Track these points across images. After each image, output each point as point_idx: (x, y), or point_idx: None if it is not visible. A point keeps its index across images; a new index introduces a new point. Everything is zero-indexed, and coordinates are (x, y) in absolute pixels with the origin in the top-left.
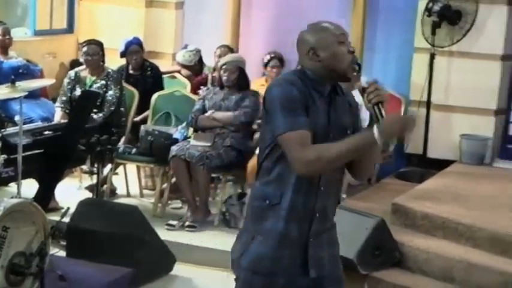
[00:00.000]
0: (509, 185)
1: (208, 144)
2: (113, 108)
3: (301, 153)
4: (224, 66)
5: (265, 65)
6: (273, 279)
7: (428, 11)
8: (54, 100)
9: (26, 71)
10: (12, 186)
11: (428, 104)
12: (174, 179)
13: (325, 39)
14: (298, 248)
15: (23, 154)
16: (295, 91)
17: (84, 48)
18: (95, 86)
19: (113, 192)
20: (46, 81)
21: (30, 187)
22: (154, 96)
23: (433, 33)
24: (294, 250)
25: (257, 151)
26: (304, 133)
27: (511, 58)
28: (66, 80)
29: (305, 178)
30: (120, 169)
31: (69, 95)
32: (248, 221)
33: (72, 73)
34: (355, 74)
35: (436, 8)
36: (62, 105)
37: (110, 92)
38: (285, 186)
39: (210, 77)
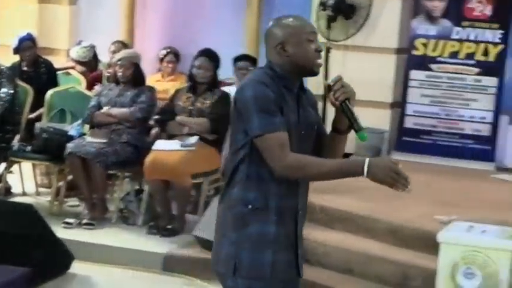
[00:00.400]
0: None
1: (104, 140)
2: (6, 106)
3: (283, 156)
4: (119, 62)
5: (161, 60)
6: (273, 283)
7: (323, 5)
8: None
9: None
10: None
11: (324, 97)
12: (70, 177)
13: (294, 35)
14: (291, 250)
15: None
16: (269, 91)
17: None
18: None
19: (8, 190)
20: None
21: None
22: (49, 92)
23: (328, 27)
24: (289, 253)
25: (168, 147)
26: (282, 135)
27: (405, 51)
28: None
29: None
30: (15, 167)
31: None
32: (226, 229)
33: None
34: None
35: (331, 2)
36: None
37: (3, 89)
38: (268, 189)
39: (105, 73)
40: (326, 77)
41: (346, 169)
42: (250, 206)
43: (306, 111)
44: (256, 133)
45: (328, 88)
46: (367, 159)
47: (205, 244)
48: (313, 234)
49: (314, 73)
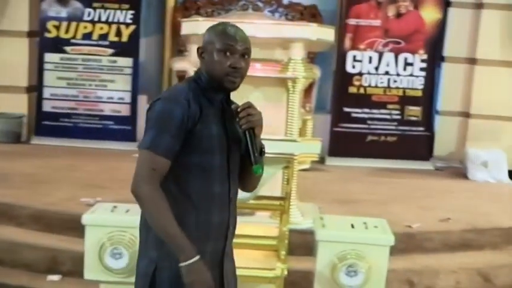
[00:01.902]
0: (48, 161)
1: None
2: None
3: (149, 180)
4: None
5: None
6: None
7: None
8: None
9: None
10: None
11: None
12: None
13: (211, 43)
14: (216, 268)
15: None
16: (177, 111)
17: None
18: None
19: None
20: None
21: None
22: None
23: None
24: (213, 271)
25: None
26: (163, 162)
27: (37, 34)
28: None
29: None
30: None
31: None
32: (147, 248)
33: None
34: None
35: None
36: None
37: None
38: (188, 206)
39: None
40: None
41: (175, 241)
42: None
43: (231, 124)
44: (143, 146)
45: (236, 113)
46: (197, 258)
47: None
48: None
49: (225, 88)
